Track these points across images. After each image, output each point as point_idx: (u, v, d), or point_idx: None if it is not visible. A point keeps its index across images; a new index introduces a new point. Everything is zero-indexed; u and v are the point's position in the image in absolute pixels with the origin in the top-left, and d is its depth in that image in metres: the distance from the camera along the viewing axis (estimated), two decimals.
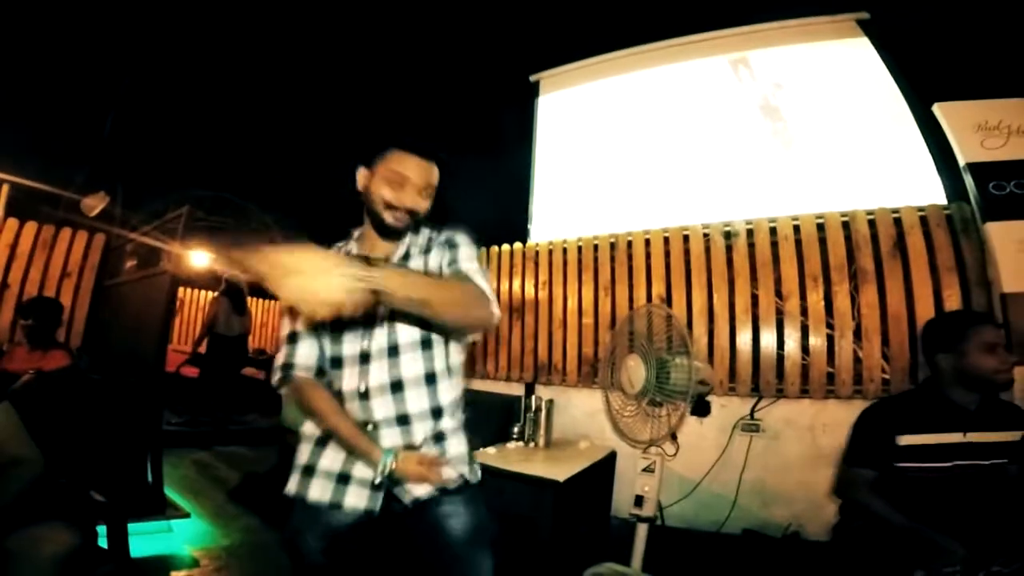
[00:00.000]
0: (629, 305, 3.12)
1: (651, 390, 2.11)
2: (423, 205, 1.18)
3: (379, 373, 1.11)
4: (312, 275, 0.82)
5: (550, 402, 2.67)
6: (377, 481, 1.08)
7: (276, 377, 1.18)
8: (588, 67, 3.97)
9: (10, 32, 3.69)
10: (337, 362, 1.14)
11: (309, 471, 1.15)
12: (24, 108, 4.07)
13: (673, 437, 2.20)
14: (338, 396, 1.14)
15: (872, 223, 2.56)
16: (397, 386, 1.11)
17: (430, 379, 1.13)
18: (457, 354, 1.19)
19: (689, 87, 3.59)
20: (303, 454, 1.18)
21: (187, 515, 2.72)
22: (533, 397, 2.71)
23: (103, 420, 2.30)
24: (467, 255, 1.17)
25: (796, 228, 2.72)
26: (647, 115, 3.69)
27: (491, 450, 2.42)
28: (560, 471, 2.12)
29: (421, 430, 1.12)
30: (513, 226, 3.88)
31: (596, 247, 3.36)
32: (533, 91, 4.15)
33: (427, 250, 1.21)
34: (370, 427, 1.10)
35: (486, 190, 3.93)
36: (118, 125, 4.60)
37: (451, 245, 1.19)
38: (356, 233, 1.26)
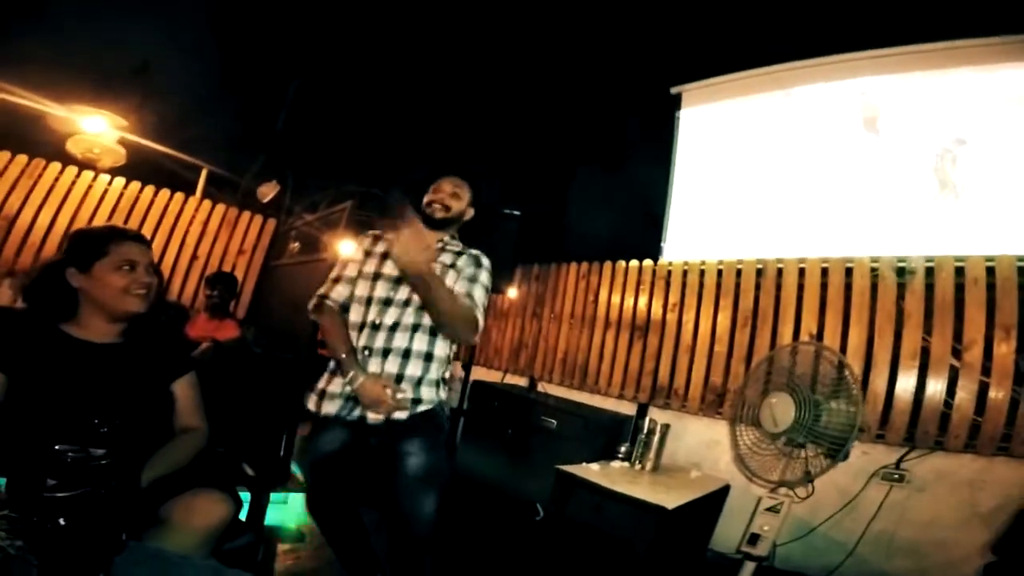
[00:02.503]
0: (772, 338, 3.09)
1: (802, 431, 2.16)
2: (455, 204, 1.78)
3: (393, 315, 1.64)
4: (406, 244, 1.42)
5: (666, 426, 2.76)
6: (347, 391, 1.59)
7: (312, 303, 1.76)
8: (736, 81, 3.93)
9: (203, 40, 4.70)
10: (368, 301, 1.68)
11: (320, 393, 1.67)
12: (216, 105, 5.12)
13: (809, 480, 2.21)
14: (356, 327, 1.66)
15: None
16: (395, 327, 1.63)
17: (416, 328, 1.64)
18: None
19: (852, 106, 3.42)
20: (321, 381, 1.69)
21: (304, 488, 3.14)
22: (647, 419, 2.83)
23: (261, 393, 2.53)
24: (482, 283, 1.70)
25: (990, 270, 2.52)
26: (802, 134, 3.57)
27: (594, 466, 2.55)
28: (668, 498, 2.18)
29: (395, 364, 1.60)
30: (643, 242, 3.99)
31: (739, 272, 3.36)
32: (674, 104, 4.21)
33: (452, 265, 1.72)
34: (365, 352, 1.62)
35: (617, 203, 4.12)
36: (289, 122, 5.61)
37: (477, 264, 1.72)
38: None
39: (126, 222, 4.20)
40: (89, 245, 1.37)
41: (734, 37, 4.01)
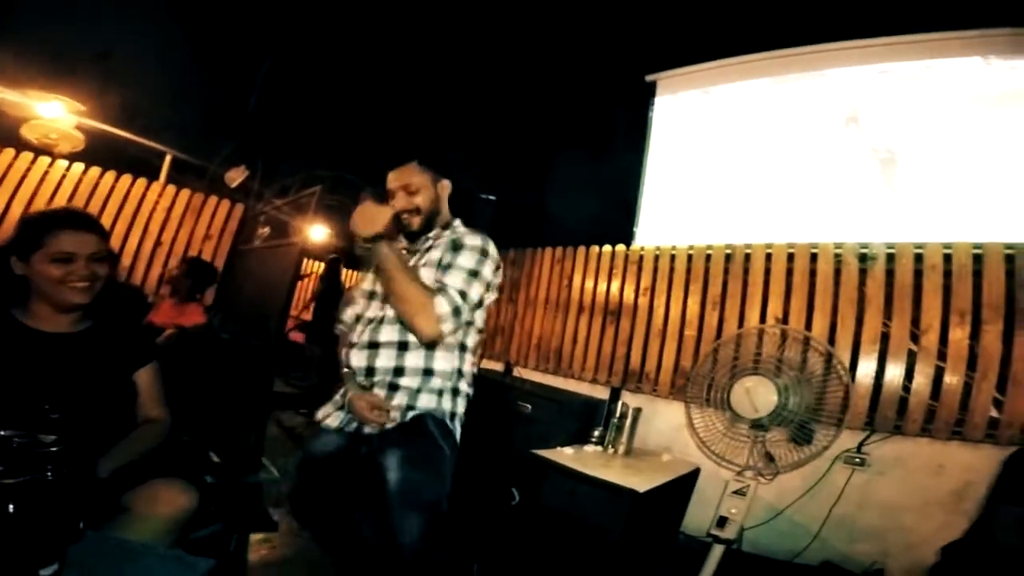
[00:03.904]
0: (739, 322, 3.15)
1: (791, 416, 2.23)
2: (420, 200, 1.56)
3: (370, 335, 1.49)
4: (364, 216, 1.35)
5: (638, 410, 2.80)
6: (341, 403, 1.53)
7: (336, 328, 1.72)
8: (710, 70, 3.97)
9: (169, 22, 4.55)
10: (358, 320, 1.57)
11: (332, 405, 1.59)
12: (181, 89, 4.96)
13: (771, 459, 2.27)
14: (351, 346, 1.53)
15: None
16: (374, 345, 1.48)
17: (402, 346, 1.47)
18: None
19: (824, 96, 3.47)
20: (337, 394, 1.61)
21: (277, 478, 3.05)
22: (619, 403, 2.86)
23: (227, 380, 2.45)
24: (460, 266, 1.44)
25: (947, 257, 2.61)
26: (773, 123, 3.63)
27: (568, 450, 2.58)
28: (640, 481, 2.21)
29: (381, 380, 1.46)
30: (616, 227, 4.02)
31: (709, 256, 3.41)
32: (649, 91, 4.23)
33: (441, 246, 1.52)
34: (363, 371, 1.49)
35: (591, 188, 4.13)
36: (260, 105, 5.46)
37: (455, 248, 1.48)
38: None
39: (85, 208, 4.03)
40: (26, 235, 1.32)
41: (709, 26, 4.03)
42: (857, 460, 2.61)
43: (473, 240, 1.49)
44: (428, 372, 1.46)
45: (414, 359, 1.46)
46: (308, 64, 5.26)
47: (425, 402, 1.45)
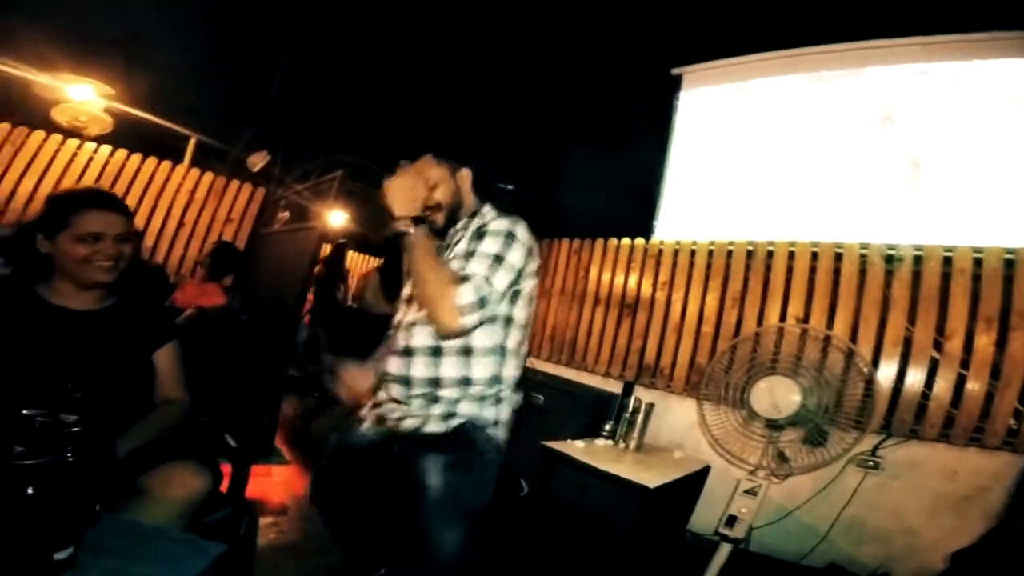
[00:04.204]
0: (758, 320, 3.10)
1: (811, 417, 2.20)
2: (441, 196, 1.44)
3: (404, 339, 1.40)
4: (400, 193, 1.32)
5: (651, 405, 2.78)
6: (378, 403, 1.43)
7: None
8: (738, 65, 3.88)
9: (195, 7, 4.58)
10: (398, 326, 1.47)
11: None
12: (206, 74, 5.01)
13: (784, 459, 2.25)
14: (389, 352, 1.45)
15: None
16: (408, 351, 1.38)
17: (435, 352, 1.36)
18: (482, 337, 1.35)
19: (858, 95, 3.37)
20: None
21: (287, 462, 3.10)
22: (632, 398, 2.85)
23: (246, 362, 2.44)
24: (483, 252, 1.30)
25: (977, 261, 2.53)
26: (801, 120, 3.54)
27: (579, 443, 2.57)
28: (650, 477, 2.20)
29: (420, 394, 1.36)
30: (635, 220, 3.97)
31: (730, 253, 3.36)
32: (675, 84, 4.16)
33: (469, 233, 1.39)
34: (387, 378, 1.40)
35: (611, 181, 4.07)
36: (282, 91, 5.48)
37: (480, 235, 1.34)
38: None
39: (111, 189, 4.11)
40: (53, 214, 1.33)
41: (738, 21, 3.93)
42: (871, 463, 2.58)
43: (499, 224, 1.36)
44: (466, 381, 1.35)
45: (450, 368, 1.35)
46: (330, 51, 5.27)
47: (466, 409, 1.36)
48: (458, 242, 1.42)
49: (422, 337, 1.37)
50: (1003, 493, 2.23)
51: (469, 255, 1.30)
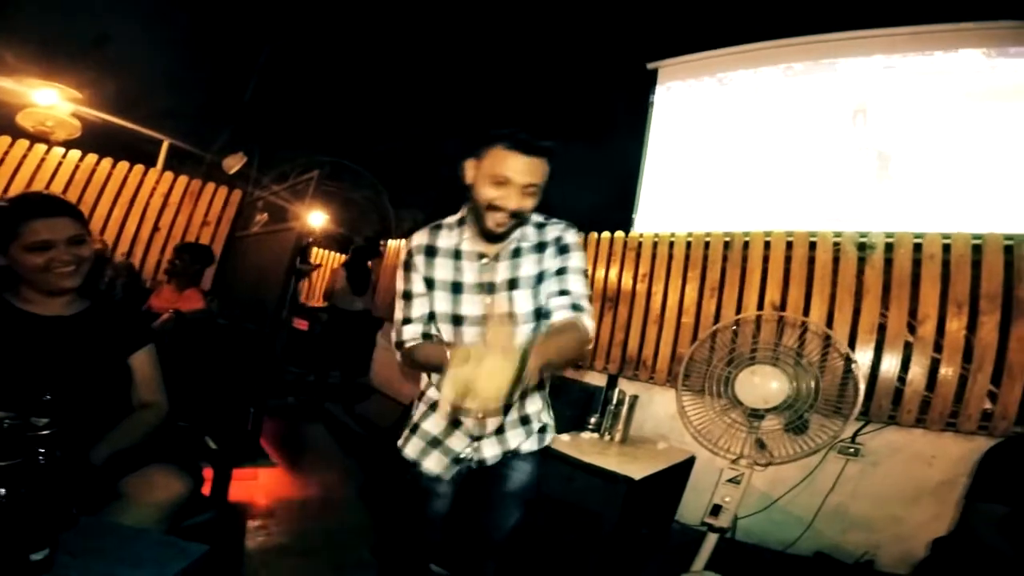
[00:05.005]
0: (737, 308, 3.14)
1: (797, 406, 2.22)
2: (527, 205, 1.24)
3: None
4: (488, 377, 0.97)
5: (634, 397, 2.80)
6: (437, 438, 1.42)
7: (397, 355, 1.42)
8: (712, 59, 3.93)
9: (166, 9, 4.50)
10: (458, 320, 1.35)
11: (414, 429, 1.46)
12: (179, 77, 4.93)
13: (762, 446, 2.28)
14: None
15: None
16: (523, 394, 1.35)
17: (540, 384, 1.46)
18: None
19: (830, 88, 3.45)
20: (416, 413, 1.48)
21: (274, 464, 3.08)
22: (616, 390, 2.86)
23: (225, 365, 2.43)
24: (576, 266, 1.32)
25: (946, 247, 2.59)
26: (774, 112, 3.60)
27: (565, 437, 2.57)
28: (635, 469, 2.22)
29: (512, 416, 1.43)
30: (616, 214, 3.99)
31: (708, 244, 3.38)
32: (650, 79, 4.19)
33: (539, 247, 1.34)
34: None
35: (591, 175, 4.10)
36: (258, 93, 5.41)
37: (562, 250, 1.33)
38: (457, 217, 1.40)
39: (82, 194, 4.04)
40: (1, 226, 1.28)
41: (712, 15, 3.99)
42: (851, 450, 2.60)
43: (573, 236, 1.37)
44: (540, 386, 1.47)
45: (539, 389, 1.47)
46: (304, 51, 5.21)
47: (546, 418, 1.50)
48: (517, 253, 1.35)
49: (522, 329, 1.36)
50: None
51: (560, 272, 1.32)
